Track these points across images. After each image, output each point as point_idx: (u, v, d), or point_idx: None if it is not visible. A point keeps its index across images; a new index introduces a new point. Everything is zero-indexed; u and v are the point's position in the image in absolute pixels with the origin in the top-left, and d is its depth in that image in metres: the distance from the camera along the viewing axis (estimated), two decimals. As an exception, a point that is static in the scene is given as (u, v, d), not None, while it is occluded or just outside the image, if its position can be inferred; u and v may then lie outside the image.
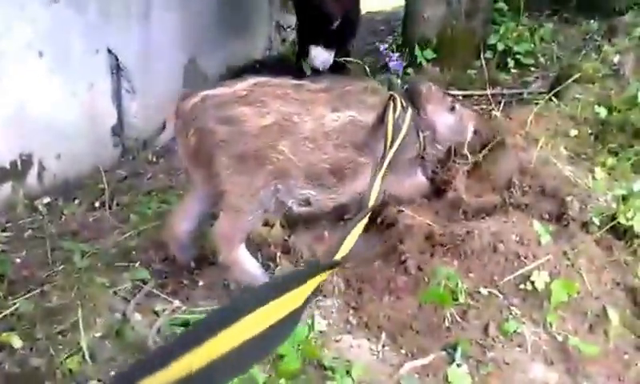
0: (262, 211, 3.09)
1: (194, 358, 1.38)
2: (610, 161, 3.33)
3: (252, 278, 3.02)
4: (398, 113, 3.17)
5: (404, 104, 3.24)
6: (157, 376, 1.30)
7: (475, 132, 3.44)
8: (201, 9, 5.11)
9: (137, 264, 3.15)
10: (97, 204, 3.73)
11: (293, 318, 1.71)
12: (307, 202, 3.16)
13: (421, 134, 3.33)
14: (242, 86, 3.02)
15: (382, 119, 3.18)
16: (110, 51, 4.26)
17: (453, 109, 3.41)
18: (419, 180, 3.44)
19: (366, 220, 2.48)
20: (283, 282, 1.84)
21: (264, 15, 5.67)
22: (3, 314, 2.80)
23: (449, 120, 3.40)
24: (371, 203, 2.68)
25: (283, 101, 3.03)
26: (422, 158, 3.40)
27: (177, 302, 2.93)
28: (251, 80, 3.07)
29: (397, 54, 4.62)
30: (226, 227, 3.05)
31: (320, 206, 3.22)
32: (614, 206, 3.05)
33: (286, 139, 3.00)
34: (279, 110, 3.00)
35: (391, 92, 3.29)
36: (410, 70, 5.08)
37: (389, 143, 3.05)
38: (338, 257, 2.23)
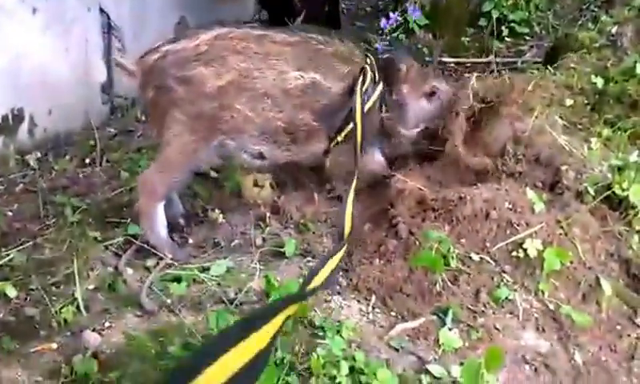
0: (192, 171, 3.23)
1: None
2: (606, 131, 3.38)
3: (156, 238, 3.13)
4: (366, 85, 3.23)
5: (376, 77, 3.30)
6: None
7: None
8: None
9: (128, 220, 3.26)
10: (87, 160, 3.84)
11: (264, 356, 1.72)
12: (261, 156, 3.27)
13: (383, 112, 3.38)
14: (203, 38, 3.10)
15: (348, 90, 3.24)
16: (102, 10, 4.36)
17: (432, 94, 3.44)
18: (375, 159, 3.47)
19: (341, 254, 2.53)
20: (251, 321, 1.85)
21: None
22: (-2, 265, 2.92)
23: (424, 106, 3.45)
24: (347, 229, 2.71)
25: (244, 56, 3.11)
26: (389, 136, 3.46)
27: (168, 259, 3.07)
28: (214, 31, 3.15)
29: (395, 14, 4.65)
30: (154, 177, 3.15)
31: (273, 162, 3.33)
32: (609, 176, 3.09)
33: (244, 96, 3.11)
34: (239, 67, 3.09)
35: (363, 64, 3.30)
36: (402, 37, 5.09)
37: (357, 122, 3.10)
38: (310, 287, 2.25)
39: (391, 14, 4.66)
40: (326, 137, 3.33)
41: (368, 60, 3.36)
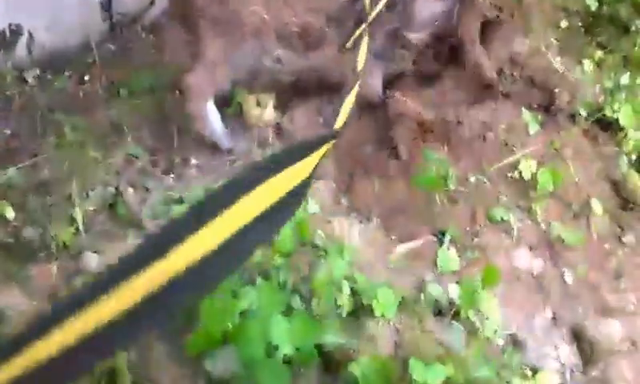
0: (232, 71, 2.98)
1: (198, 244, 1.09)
2: (599, 54, 3.19)
3: (213, 133, 2.95)
4: None
5: None
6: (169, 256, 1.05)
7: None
8: None
9: (128, 139, 2.93)
10: (87, 77, 3.44)
11: (301, 191, 1.47)
12: (279, 61, 3.07)
13: (391, 19, 3.01)
14: None
15: None
16: None
17: None
18: (371, 81, 3.09)
19: (357, 88, 2.22)
20: (288, 153, 1.58)
21: None
22: (-5, 184, 2.60)
23: (432, 8, 3.03)
24: (360, 67, 2.39)
25: None
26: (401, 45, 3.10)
27: (170, 181, 2.74)
28: None
29: None
30: (198, 78, 2.90)
31: (291, 68, 3.12)
32: (601, 98, 2.95)
33: None
34: None
35: None
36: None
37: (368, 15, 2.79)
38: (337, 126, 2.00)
39: None
40: (336, 42, 3.03)
41: None
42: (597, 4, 3.28)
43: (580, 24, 3.29)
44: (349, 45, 2.99)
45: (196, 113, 2.92)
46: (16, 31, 3.41)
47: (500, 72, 3.03)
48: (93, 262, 2.29)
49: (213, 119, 2.94)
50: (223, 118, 3.00)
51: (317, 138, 1.76)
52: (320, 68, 3.13)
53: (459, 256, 2.53)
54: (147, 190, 2.68)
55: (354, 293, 2.27)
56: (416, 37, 3.05)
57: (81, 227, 2.39)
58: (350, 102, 2.12)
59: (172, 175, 2.79)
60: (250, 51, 2.98)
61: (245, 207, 1.22)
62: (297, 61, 3.08)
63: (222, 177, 2.77)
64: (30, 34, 3.48)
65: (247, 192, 1.22)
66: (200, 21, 2.86)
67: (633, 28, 3.17)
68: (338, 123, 1.99)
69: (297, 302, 2.20)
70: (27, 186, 2.61)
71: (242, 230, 1.19)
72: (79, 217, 2.40)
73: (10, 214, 2.43)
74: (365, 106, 3.00)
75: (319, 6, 2.96)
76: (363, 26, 2.79)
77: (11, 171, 2.64)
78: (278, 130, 3.05)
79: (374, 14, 2.83)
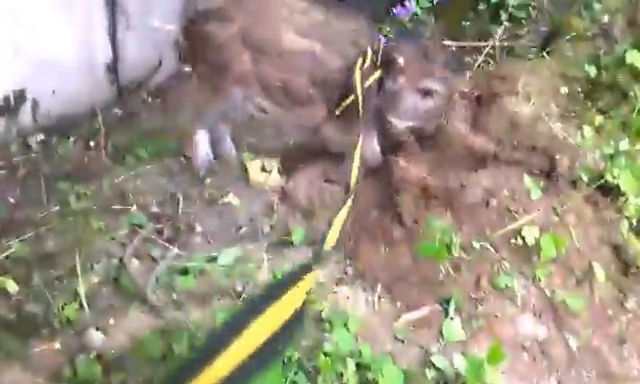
0: (224, 112, 3.18)
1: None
2: (599, 119, 3.08)
3: (197, 159, 3.17)
4: (365, 66, 2.92)
5: (376, 62, 2.96)
6: None
7: None
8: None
9: (133, 207, 2.87)
10: (92, 143, 3.39)
11: (297, 319, 1.54)
12: (264, 111, 3.15)
13: (377, 99, 3.00)
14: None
15: (346, 69, 2.94)
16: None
17: (427, 93, 3.00)
18: (369, 146, 3.08)
19: (349, 202, 2.24)
20: (278, 285, 1.71)
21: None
22: (-2, 258, 2.51)
23: (417, 102, 3.02)
24: (353, 181, 2.41)
25: (251, 13, 3.01)
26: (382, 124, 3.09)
27: (175, 249, 2.66)
28: None
29: (413, 2, 4.23)
30: (192, 115, 3.22)
31: (275, 119, 3.28)
32: (601, 164, 2.85)
33: (247, 49, 2.98)
34: (244, 22, 2.98)
35: (367, 47, 2.98)
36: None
37: (360, 107, 2.80)
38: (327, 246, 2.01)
39: (407, 3, 4.25)
40: (324, 106, 3.05)
41: (374, 44, 3.02)
42: (596, 71, 3.20)
43: (579, 90, 3.21)
44: (338, 112, 3.00)
45: (188, 141, 3.17)
46: (21, 96, 3.35)
47: (499, 140, 2.97)
48: (97, 339, 2.20)
49: (201, 146, 3.16)
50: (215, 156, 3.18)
51: (300, 268, 1.76)
52: (313, 129, 3.16)
53: (464, 325, 2.46)
54: (152, 259, 2.60)
55: (359, 367, 2.23)
56: (400, 123, 3.04)
57: (84, 302, 2.30)
58: (340, 219, 2.12)
59: (177, 244, 2.70)
60: (237, 96, 3.07)
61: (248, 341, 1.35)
62: (283, 115, 3.15)
63: (228, 244, 2.71)
64: (35, 100, 3.42)
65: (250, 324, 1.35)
66: (197, 60, 3.11)
67: (631, 93, 3.11)
68: (328, 242, 2.00)
69: (302, 379, 2.15)
70: (31, 258, 2.52)
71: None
72: (82, 291, 2.32)
73: (13, 288, 2.34)
74: (368, 170, 2.97)
75: (302, 69, 2.97)
76: (352, 97, 2.85)
77: (14, 243, 2.56)
78: (283, 194, 3.01)
79: (366, 84, 2.87)
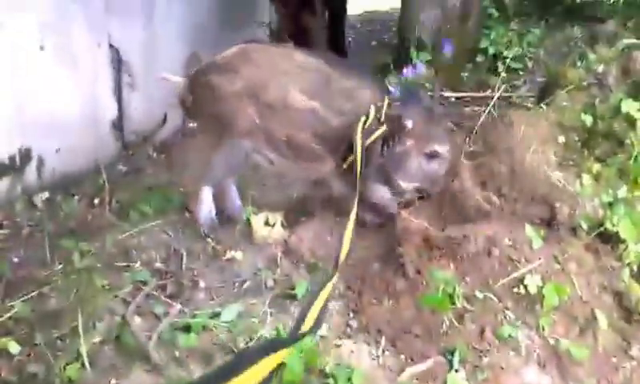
0: (229, 166, 3.16)
1: None
2: (597, 167, 3.10)
3: (201, 217, 3.13)
4: (368, 124, 2.91)
5: (380, 118, 2.95)
6: None
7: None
8: (202, 2, 4.75)
9: (137, 264, 2.83)
10: (96, 200, 3.37)
11: None
12: (271, 162, 3.13)
13: (384, 156, 3.00)
14: (228, 52, 3.09)
15: (348, 126, 2.93)
16: (111, 45, 3.85)
17: (433, 156, 3.01)
18: (381, 192, 3.08)
19: (330, 286, 2.24)
20: (245, 358, 1.73)
21: (265, 7, 5.24)
22: (1, 319, 2.45)
23: (422, 165, 3.02)
24: (342, 258, 2.41)
25: (257, 68, 3.02)
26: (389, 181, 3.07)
27: (177, 306, 2.60)
28: (239, 46, 3.12)
29: (422, 64, 4.26)
30: (196, 170, 3.19)
31: (282, 171, 3.27)
32: (600, 211, 2.84)
33: (253, 103, 2.98)
34: (250, 76, 3.00)
35: (370, 105, 2.96)
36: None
37: (357, 166, 2.80)
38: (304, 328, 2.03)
39: (418, 63, 4.29)
40: (330, 161, 3.05)
41: (378, 102, 3.00)
42: (592, 120, 3.22)
43: (577, 139, 3.23)
44: (345, 166, 2.98)
45: (192, 197, 3.16)
46: (26, 155, 3.34)
47: (500, 190, 3.00)
48: (98, 402, 2.13)
49: (204, 205, 3.11)
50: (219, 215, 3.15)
51: (272, 343, 1.73)
52: (319, 182, 3.18)
53: (469, 377, 2.39)
54: (155, 316, 2.54)
55: (364, 426, 2.13)
56: (406, 184, 3.04)
57: (86, 362, 2.24)
58: (321, 300, 2.12)
59: (180, 300, 2.65)
60: (242, 149, 3.06)
61: None
62: (288, 167, 3.13)
63: (231, 300, 2.66)
64: (40, 158, 3.40)
65: None
66: (202, 112, 3.12)
67: (627, 141, 3.11)
68: (306, 324, 2.00)
69: (305, 438, 2.07)
70: (33, 318, 2.46)
71: None
72: (84, 351, 2.25)
73: (15, 348, 2.28)
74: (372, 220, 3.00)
75: (305, 125, 2.98)
76: (353, 157, 2.83)
77: (17, 304, 2.50)
78: (287, 248, 2.96)
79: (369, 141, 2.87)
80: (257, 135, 3.01)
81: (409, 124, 2.93)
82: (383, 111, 2.95)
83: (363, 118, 2.90)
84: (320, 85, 2.99)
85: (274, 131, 2.99)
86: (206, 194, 3.12)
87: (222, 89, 2.98)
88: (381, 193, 3.07)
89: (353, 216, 2.55)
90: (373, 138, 2.92)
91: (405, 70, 4.31)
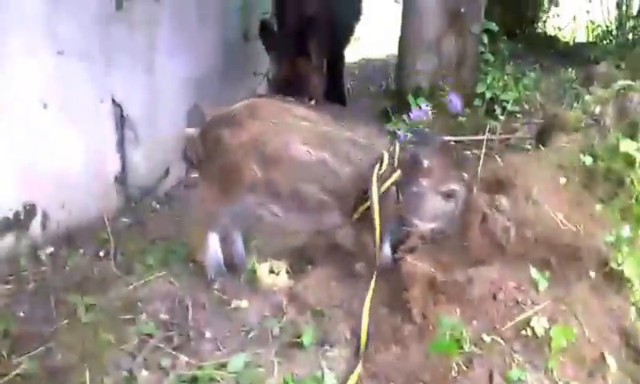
0: (235, 217, 3.17)
1: None
2: (598, 208, 3.05)
3: (207, 262, 3.12)
4: (382, 171, 2.90)
5: (394, 164, 2.94)
6: None
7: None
8: (202, 57, 4.79)
9: (142, 316, 2.81)
10: (101, 253, 3.37)
11: None
12: (276, 215, 3.09)
13: (399, 200, 2.97)
14: (236, 106, 3.10)
15: (358, 175, 2.94)
16: (114, 102, 3.88)
17: (450, 195, 3.00)
18: (383, 252, 3.05)
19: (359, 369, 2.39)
20: None
21: (264, 59, 5.29)
22: (8, 376, 2.41)
23: (441, 204, 3.01)
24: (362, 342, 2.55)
25: (261, 122, 3.00)
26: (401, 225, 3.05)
27: (184, 357, 2.58)
28: (247, 101, 3.14)
29: (427, 107, 4.27)
30: (203, 218, 3.16)
31: (289, 224, 3.19)
32: (604, 251, 2.79)
33: (256, 157, 2.97)
34: (254, 130, 2.99)
35: (381, 151, 2.96)
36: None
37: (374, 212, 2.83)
38: None
39: (423, 106, 4.30)
40: (339, 212, 3.03)
41: (390, 147, 3.00)
42: (591, 159, 3.19)
43: (577, 180, 3.17)
44: (355, 216, 2.98)
45: (199, 243, 3.13)
46: (31, 210, 3.34)
47: (503, 232, 2.91)
48: None
49: (211, 250, 3.11)
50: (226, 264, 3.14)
51: None
52: (327, 233, 3.17)
53: (479, 425, 2.34)
54: (162, 369, 2.51)
55: None
56: (423, 225, 3.01)
57: (92, 421, 2.21)
58: None
59: (187, 351, 2.62)
60: (247, 201, 3.05)
61: None
62: (296, 220, 3.10)
63: (238, 349, 2.63)
64: (45, 213, 3.41)
65: None
66: (210, 164, 3.07)
67: (628, 180, 3.11)
68: None
69: None
70: (39, 374, 2.43)
71: None
72: (91, 411, 2.22)
73: (23, 406, 2.25)
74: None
75: (313, 178, 2.97)
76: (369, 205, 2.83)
77: (24, 360, 2.48)
78: (292, 296, 2.94)
79: (382, 188, 2.85)
80: (260, 189, 3.01)
81: (425, 163, 2.92)
82: (396, 155, 2.94)
83: (377, 166, 2.89)
84: (326, 136, 2.99)
85: (277, 184, 2.98)
86: (213, 240, 3.12)
87: (227, 141, 2.98)
88: (385, 251, 3.06)
89: (372, 285, 2.67)
90: (388, 183, 2.91)
91: (412, 114, 4.33)
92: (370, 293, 2.71)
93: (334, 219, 3.05)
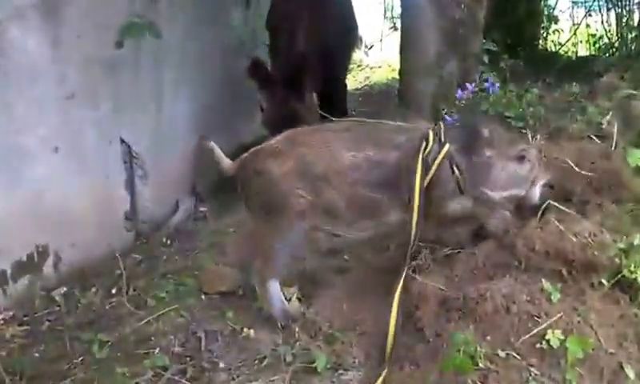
0: (291, 249, 3.05)
1: None
2: (610, 216, 3.02)
3: (274, 311, 2.96)
4: (429, 149, 2.85)
5: (441, 138, 2.88)
6: None
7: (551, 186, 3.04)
8: (209, 94, 4.83)
9: (156, 350, 2.80)
10: (113, 290, 3.38)
11: None
12: (335, 234, 3.08)
13: (456, 172, 2.88)
14: (277, 138, 3.05)
15: (405, 157, 2.87)
16: (122, 141, 3.93)
17: (522, 158, 2.93)
18: (498, 213, 2.99)
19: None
20: None
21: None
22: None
23: (514, 169, 2.94)
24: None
25: (303, 146, 2.96)
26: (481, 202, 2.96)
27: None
28: (287, 133, 3.07)
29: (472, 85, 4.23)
30: (260, 265, 3.00)
31: (351, 239, 3.15)
32: (617, 260, 2.75)
33: (303, 181, 2.91)
34: (297, 155, 2.93)
35: (426, 131, 2.91)
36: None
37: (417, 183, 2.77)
38: None
39: (468, 85, 4.27)
40: (397, 206, 2.92)
41: (435, 126, 2.98)
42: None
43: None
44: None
45: (261, 293, 2.99)
46: (43, 252, 3.38)
47: (514, 245, 2.89)
48: None
49: (276, 299, 2.97)
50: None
51: None
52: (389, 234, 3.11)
53: (497, 441, 2.31)
54: (177, 401, 2.51)
55: None
56: (495, 194, 2.94)
57: None
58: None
59: (201, 383, 2.62)
60: (302, 229, 2.99)
61: None
62: (356, 232, 3.05)
63: (251, 378, 2.63)
64: (57, 253, 3.44)
65: None
66: (254, 200, 3.02)
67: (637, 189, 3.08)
68: None
69: None
70: (56, 412, 2.44)
71: None
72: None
73: None
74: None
75: (362, 177, 2.91)
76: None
77: (39, 399, 2.48)
78: (303, 321, 2.94)
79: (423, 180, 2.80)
80: (312, 212, 2.93)
81: (485, 132, 2.89)
82: (442, 132, 2.90)
83: (424, 144, 2.85)
84: (367, 134, 3.00)
85: (332, 202, 2.92)
86: (275, 288, 2.98)
87: (272, 172, 2.92)
88: (464, 203, 2.97)
89: (399, 290, 2.64)
90: (439, 159, 2.85)
91: (458, 93, 4.29)
92: (402, 281, 2.69)
93: (392, 218, 2.96)
